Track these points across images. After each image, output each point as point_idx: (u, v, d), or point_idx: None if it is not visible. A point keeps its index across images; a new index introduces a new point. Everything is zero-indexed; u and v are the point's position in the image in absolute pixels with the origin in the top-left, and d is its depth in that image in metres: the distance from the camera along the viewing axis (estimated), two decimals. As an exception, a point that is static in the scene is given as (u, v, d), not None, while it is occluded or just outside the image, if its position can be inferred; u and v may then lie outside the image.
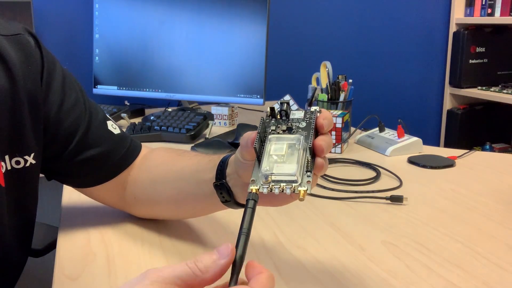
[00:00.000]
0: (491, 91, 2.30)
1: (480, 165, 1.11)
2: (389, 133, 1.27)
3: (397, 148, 1.19)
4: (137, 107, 1.70)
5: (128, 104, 1.72)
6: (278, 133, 0.51)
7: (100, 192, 0.75)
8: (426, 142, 1.24)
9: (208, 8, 1.53)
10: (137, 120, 1.48)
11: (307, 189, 0.46)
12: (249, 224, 0.43)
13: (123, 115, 1.47)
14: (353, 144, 1.30)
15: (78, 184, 0.74)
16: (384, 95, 2.36)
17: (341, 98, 1.33)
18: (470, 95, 2.35)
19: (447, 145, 2.43)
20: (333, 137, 1.20)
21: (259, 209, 0.85)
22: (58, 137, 0.67)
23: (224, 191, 0.60)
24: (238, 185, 0.59)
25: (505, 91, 2.26)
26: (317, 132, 0.51)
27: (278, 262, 0.65)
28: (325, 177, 1.00)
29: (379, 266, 0.64)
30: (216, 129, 1.45)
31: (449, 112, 2.44)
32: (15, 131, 0.62)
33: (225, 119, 1.54)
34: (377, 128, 1.31)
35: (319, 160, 0.49)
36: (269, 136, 0.50)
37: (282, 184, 0.46)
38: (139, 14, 1.60)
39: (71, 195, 0.87)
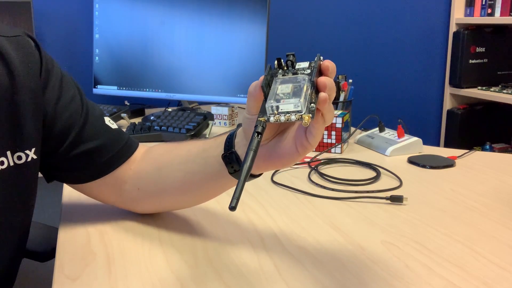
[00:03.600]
0: (491, 91, 2.30)
1: (480, 165, 1.11)
2: (389, 133, 1.27)
3: (397, 148, 1.19)
4: (137, 107, 1.70)
5: (128, 104, 1.72)
6: (285, 78, 0.54)
7: (100, 188, 0.75)
8: (426, 142, 1.24)
9: (208, 8, 1.53)
10: (137, 120, 1.48)
11: (311, 116, 0.49)
12: (257, 143, 0.48)
13: (123, 115, 1.47)
14: (353, 144, 1.30)
15: (77, 179, 0.74)
16: (384, 95, 2.36)
17: (341, 98, 1.33)
18: (470, 95, 2.35)
19: (447, 145, 2.43)
20: (333, 137, 1.20)
21: (258, 208, 0.86)
22: (55, 132, 0.69)
23: (233, 161, 0.61)
24: None
25: (505, 91, 2.26)
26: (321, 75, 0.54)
27: (278, 262, 0.65)
28: (325, 177, 1.00)
29: (379, 266, 0.64)
30: (216, 129, 1.45)
31: (449, 112, 2.44)
32: (15, 126, 0.64)
33: (225, 119, 1.54)
34: (377, 128, 1.31)
35: (322, 94, 0.51)
36: (275, 78, 0.54)
37: (287, 114, 0.50)
38: (139, 14, 1.60)
39: (71, 195, 0.87)
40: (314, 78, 0.52)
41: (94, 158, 0.72)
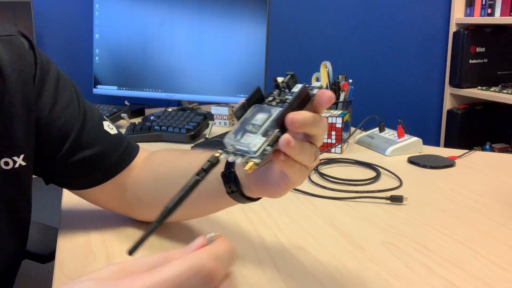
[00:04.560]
0: (491, 91, 2.30)
1: (480, 165, 1.11)
2: (389, 133, 1.27)
3: (397, 148, 1.19)
4: (137, 107, 1.70)
5: (128, 104, 1.72)
6: (271, 104, 0.47)
7: (99, 195, 0.74)
8: (426, 142, 1.24)
9: (208, 8, 1.53)
10: (137, 120, 1.48)
11: (257, 163, 0.43)
12: (194, 182, 0.44)
13: (123, 115, 1.47)
14: (353, 144, 1.30)
15: (76, 185, 0.73)
16: (384, 95, 2.36)
17: (341, 98, 1.33)
18: (470, 95, 2.35)
19: (447, 145, 2.43)
20: (333, 137, 1.20)
21: (259, 208, 0.85)
22: (51, 137, 0.67)
23: (231, 181, 0.58)
24: (244, 176, 0.57)
25: (505, 91, 2.26)
26: (303, 107, 0.47)
27: (278, 262, 0.65)
28: (325, 177, 1.00)
29: (379, 266, 0.64)
30: (216, 129, 1.45)
31: (449, 112, 2.44)
32: (3, 131, 0.61)
33: (225, 119, 1.54)
34: (377, 128, 1.31)
35: (285, 135, 0.44)
36: (254, 105, 0.47)
37: (238, 154, 0.44)
38: (139, 14, 1.60)
39: (71, 196, 0.87)
40: (278, 114, 0.44)
41: (92, 165, 0.70)
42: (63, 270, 0.64)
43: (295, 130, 0.45)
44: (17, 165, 0.64)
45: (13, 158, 0.63)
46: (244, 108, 0.47)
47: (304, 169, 0.49)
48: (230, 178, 0.58)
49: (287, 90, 0.48)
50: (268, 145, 0.43)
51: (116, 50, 1.64)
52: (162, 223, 0.41)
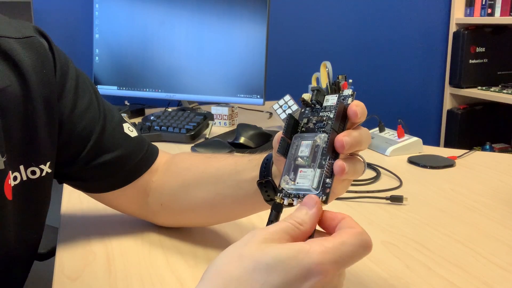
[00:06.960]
0: (491, 91, 2.30)
1: (480, 165, 1.11)
2: (389, 133, 1.27)
3: (397, 148, 1.19)
4: (137, 107, 1.70)
5: (128, 104, 1.72)
6: (309, 127, 0.46)
7: (119, 199, 0.71)
8: (426, 142, 1.24)
9: (208, 8, 1.53)
10: (137, 120, 1.48)
11: (323, 200, 0.42)
12: None
13: (123, 115, 1.47)
14: (353, 144, 1.30)
15: (94, 189, 0.71)
16: (384, 95, 2.36)
17: (341, 98, 1.33)
18: (470, 95, 2.35)
19: (447, 145, 2.43)
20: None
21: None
22: (71, 142, 0.64)
23: (269, 189, 0.57)
24: None
25: (505, 91, 2.26)
26: (345, 122, 0.45)
27: (278, 262, 0.65)
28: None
29: (379, 266, 0.64)
30: (216, 129, 1.44)
31: (449, 112, 2.44)
32: (30, 139, 0.59)
33: (225, 119, 1.54)
34: (377, 128, 1.31)
35: (337, 162, 0.43)
36: (294, 136, 0.46)
37: (301, 195, 0.43)
38: (139, 14, 1.60)
39: (70, 195, 0.87)
40: (326, 144, 0.43)
41: (112, 169, 0.68)
42: (63, 270, 0.64)
43: (347, 152, 0.45)
44: (44, 173, 0.62)
45: (40, 166, 0.61)
46: (285, 142, 0.46)
47: (349, 181, 0.49)
48: (268, 185, 0.57)
49: (318, 106, 0.47)
50: (327, 177, 0.43)
51: (116, 50, 1.64)
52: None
